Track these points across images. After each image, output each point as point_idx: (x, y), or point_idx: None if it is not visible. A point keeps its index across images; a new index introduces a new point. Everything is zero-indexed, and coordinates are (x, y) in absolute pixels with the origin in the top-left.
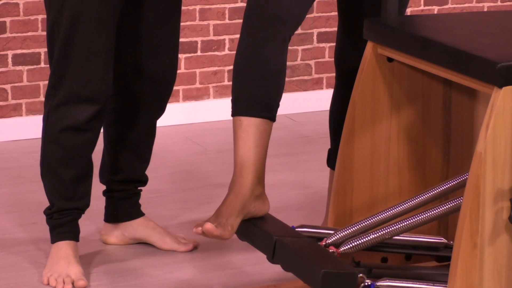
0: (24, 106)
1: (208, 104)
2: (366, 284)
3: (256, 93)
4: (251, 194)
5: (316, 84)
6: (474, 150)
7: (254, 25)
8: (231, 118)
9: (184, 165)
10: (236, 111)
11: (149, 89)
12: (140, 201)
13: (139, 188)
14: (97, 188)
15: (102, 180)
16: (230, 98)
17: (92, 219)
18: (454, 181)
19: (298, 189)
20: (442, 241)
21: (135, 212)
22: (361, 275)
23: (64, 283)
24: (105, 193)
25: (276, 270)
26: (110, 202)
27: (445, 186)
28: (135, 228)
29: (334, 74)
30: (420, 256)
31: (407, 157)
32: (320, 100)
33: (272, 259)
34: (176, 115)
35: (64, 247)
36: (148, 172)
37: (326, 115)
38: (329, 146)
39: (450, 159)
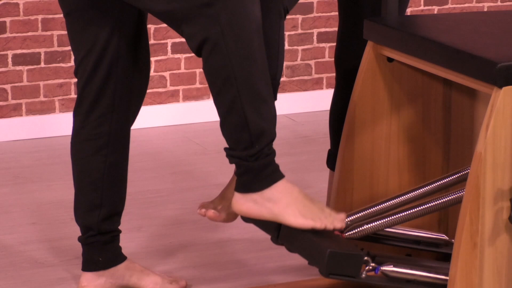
0: (24, 106)
1: (208, 104)
2: (371, 267)
3: None
4: None
5: (316, 84)
6: (474, 150)
7: None
8: None
9: (184, 165)
10: None
11: (133, 103)
12: (140, 201)
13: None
14: None
15: (83, 222)
16: None
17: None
18: (455, 175)
19: None
20: (443, 237)
21: (120, 255)
22: (366, 258)
23: None
24: (86, 238)
25: (276, 270)
26: (93, 248)
27: (446, 179)
28: (122, 273)
29: (334, 74)
30: (420, 253)
31: (407, 157)
32: (320, 100)
33: (276, 239)
34: (176, 115)
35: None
36: (148, 172)
37: (326, 115)
38: (329, 146)
39: (450, 159)
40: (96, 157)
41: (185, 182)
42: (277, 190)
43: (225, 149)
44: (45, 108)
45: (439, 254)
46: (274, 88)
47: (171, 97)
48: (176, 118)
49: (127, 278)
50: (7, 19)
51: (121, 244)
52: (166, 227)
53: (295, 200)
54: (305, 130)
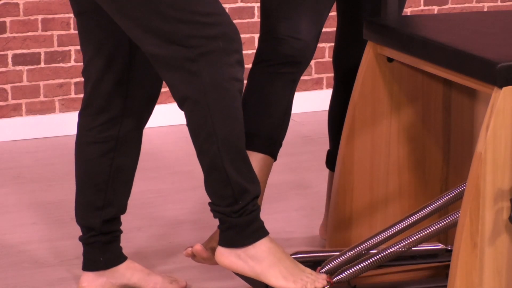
0: (24, 106)
1: None
2: None
3: (260, 128)
4: None
5: (316, 84)
6: (474, 150)
7: (266, 65)
8: None
9: (184, 165)
10: None
11: (146, 106)
12: (140, 201)
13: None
14: None
15: (84, 222)
16: None
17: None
18: (453, 193)
19: (298, 189)
20: (440, 247)
21: (121, 255)
22: None
23: None
24: (87, 238)
25: None
26: (94, 248)
27: (443, 199)
28: (123, 273)
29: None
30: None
31: (407, 157)
32: (320, 100)
33: None
34: (176, 115)
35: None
36: (148, 172)
37: (326, 115)
38: (329, 146)
39: (450, 159)
40: (102, 160)
41: (185, 182)
42: (261, 249)
43: (209, 204)
44: (45, 108)
45: (439, 265)
46: (275, 148)
47: (171, 97)
48: (176, 118)
49: (127, 278)
50: (7, 19)
51: (121, 244)
52: (166, 227)
53: (278, 261)
54: (305, 130)
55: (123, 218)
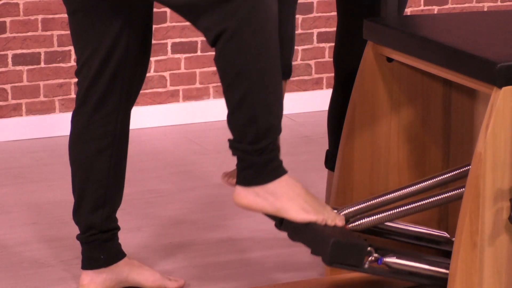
0: (24, 106)
1: (208, 104)
2: (374, 257)
3: None
4: None
5: (316, 84)
6: (474, 150)
7: None
8: None
9: (184, 165)
10: None
11: (133, 100)
12: (140, 201)
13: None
14: None
15: (86, 222)
16: None
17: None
18: (456, 171)
19: None
20: (445, 235)
21: (120, 252)
22: (369, 248)
23: None
24: (87, 236)
25: (276, 270)
26: (94, 246)
27: (447, 175)
28: (122, 269)
29: (333, 74)
30: (421, 249)
31: (407, 157)
32: (320, 100)
33: (280, 226)
34: (176, 115)
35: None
36: (148, 172)
37: (326, 115)
38: None
39: (450, 159)
40: (100, 157)
41: (185, 182)
42: (280, 185)
43: (229, 140)
44: (45, 108)
45: (440, 251)
46: (289, 71)
47: (171, 97)
48: (176, 118)
49: (126, 273)
50: (7, 19)
51: (121, 244)
52: (166, 227)
53: (298, 195)
54: (305, 130)
55: (123, 218)
